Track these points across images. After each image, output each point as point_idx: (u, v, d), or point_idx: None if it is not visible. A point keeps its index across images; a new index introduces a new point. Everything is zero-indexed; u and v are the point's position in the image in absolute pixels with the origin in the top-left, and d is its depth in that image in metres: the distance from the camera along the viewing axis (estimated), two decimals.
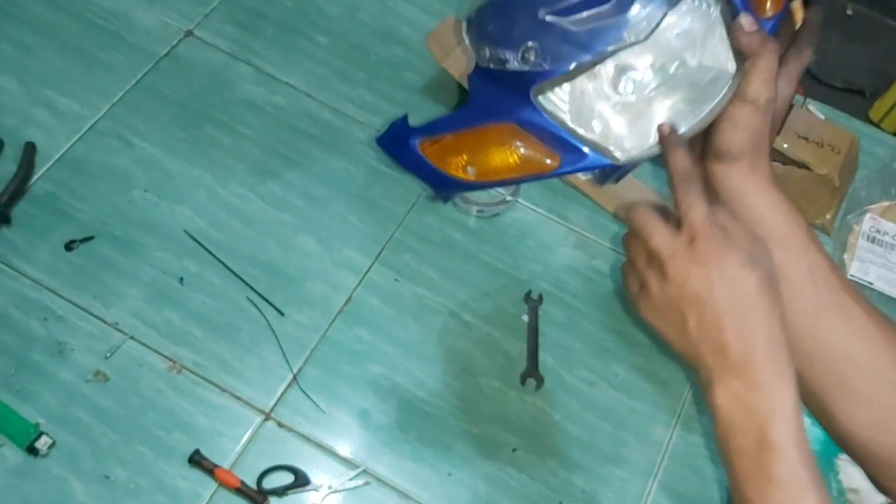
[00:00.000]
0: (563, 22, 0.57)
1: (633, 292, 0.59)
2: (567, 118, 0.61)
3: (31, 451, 0.85)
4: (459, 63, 1.08)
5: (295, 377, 0.93)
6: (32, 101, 1.08)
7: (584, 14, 0.57)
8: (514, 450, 0.92)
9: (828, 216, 1.11)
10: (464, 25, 0.63)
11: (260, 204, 1.04)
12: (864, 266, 1.08)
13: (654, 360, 1.00)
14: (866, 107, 1.55)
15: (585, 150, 0.59)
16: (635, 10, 0.56)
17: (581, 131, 0.60)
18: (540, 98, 0.60)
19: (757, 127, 0.58)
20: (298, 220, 1.04)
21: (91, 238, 0.99)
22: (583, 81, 0.61)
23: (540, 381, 0.96)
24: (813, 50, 0.62)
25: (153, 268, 0.98)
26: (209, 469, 0.86)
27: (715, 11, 0.59)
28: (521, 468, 0.91)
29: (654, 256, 0.55)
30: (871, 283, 1.07)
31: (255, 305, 0.97)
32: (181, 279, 0.98)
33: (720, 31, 0.59)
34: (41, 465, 0.85)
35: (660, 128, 0.59)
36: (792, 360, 0.53)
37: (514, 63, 0.59)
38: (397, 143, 0.63)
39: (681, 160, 0.56)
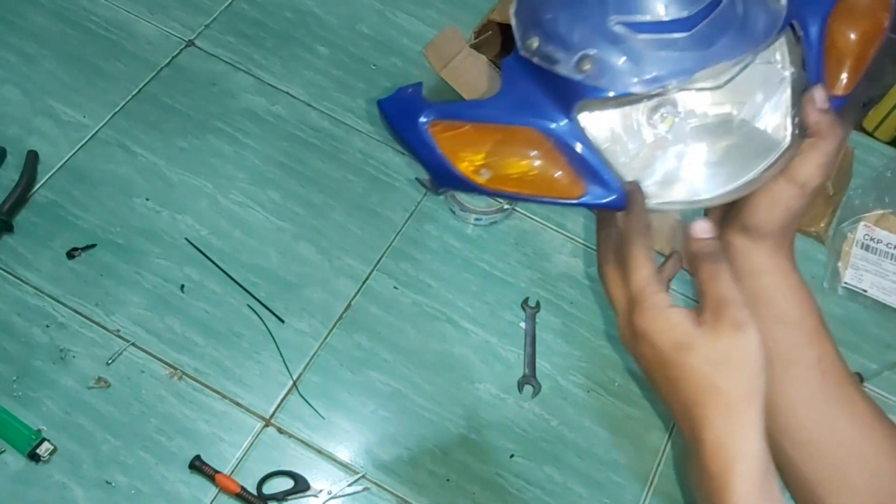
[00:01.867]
0: (635, 38, 0.48)
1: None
2: (606, 147, 0.53)
3: (33, 457, 0.86)
4: (458, 74, 1.09)
5: (295, 384, 0.94)
6: (35, 111, 1.09)
7: (660, 36, 0.48)
8: (511, 455, 0.93)
9: (822, 224, 1.12)
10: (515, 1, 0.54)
11: (260, 212, 1.05)
12: (858, 274, 1.09)
13: None
14: (860, 115, 1.56)
15: (616, 187, 0.52)
16: (718, 48, 0.48)
17: (618, 166, 0.52)
18: (583, 116, 0.52)
19: (797, 210, 0.53)
20: (298, 228, 1.05)
21: (93, 246, 0.99)
22: (632, 110, 0.53)
23: (537, 388, 0.97)
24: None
25: (154, 275, 0.99)
26: (210, 475, 0.87)
27: (787, 72, 0.52)
28: (518, 474, 0.92)
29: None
30: (865, 291, 1.08)
31: (256, 313, 0.98)
32: (182, 287, 0.98)
33: (785, 97, 0.52)
34: (43, 472, 0.86)
35: (629, 184, 0.52)
36: (754, 445, 0.48)
37: (565, 67, 0.50)
38: (403, 112, 0.54)
39: (631, 221, 0.52)
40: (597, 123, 0.53)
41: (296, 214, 1.06)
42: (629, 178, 0.52)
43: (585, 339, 1.02)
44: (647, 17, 0.49)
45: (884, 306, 1.08)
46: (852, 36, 0.53)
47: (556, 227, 1.09)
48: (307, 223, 1.05)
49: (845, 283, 1.08)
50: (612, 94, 0.49)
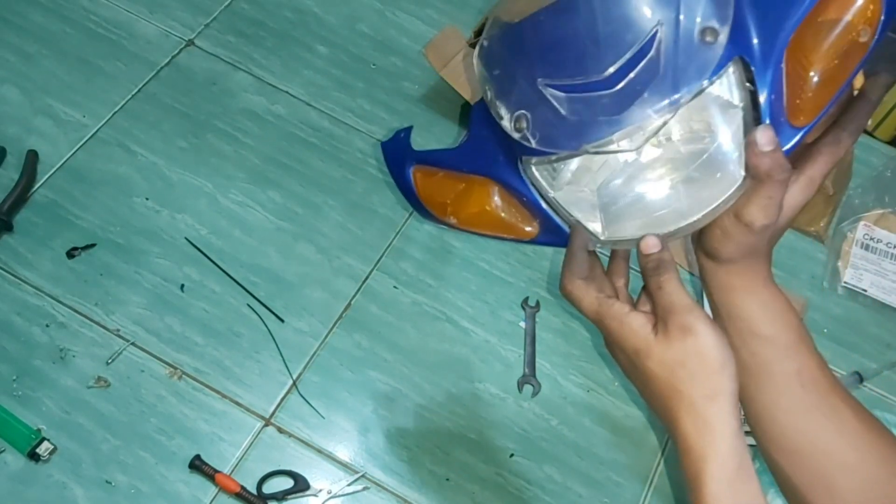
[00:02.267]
0: (558, 99, 0.50)
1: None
2: (550, 194, 0.55)
3: (33, 456, 0.86)
4: (457, 73, 1.09)
5: (295, 383, 0.94)
6: (34, 110, 1.09)
7: (585, 95, 0.49)
8: (511, 455, 0.93)
9: (822, 224, 1.12)
10: (479, 48, 0.56)
11: (260, 212, 1.05)
12: (858, 273, 1.09)
13: None
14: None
15: (565, 228, 0.56)
16: (635, 110, 0.48)
17: (563, 211, 0.55)
18: (528, 167, 0.55)
19: (749, 244, 0.53)
20: (298, 227, 1.05)
21: (93, 245, 0.99)
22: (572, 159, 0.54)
23: (537, 387, 0.97)
24: (853, 142, 0.53)
25: (154, 275, 0.99)
26: (210, 474, 0.87)
27: (738, 107, 0.50)
28: (518, 473, 0.92)
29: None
30: (865, 291, 1.08)
31: (256, 312, 0.98)
32: (182, 286, 0.98)
33: (737, 129, 0.50)
34: (42, 471, 0.86)
35: (572, 226, 0.55)
36: (725, 434, 0.49)
37: (506, 123, 0.53)
38: (396, 156, 0.61)
39: (571, 247, 0.56)
40: (545, 175, 0.55)
41: (295, 214, 1.06)
42: (592, 224, 0.55)
43: (585, 338, 1.02)
44: (570, 80, 0.50)
45: (883, 306, 1.08)
46: (819, 62, 0.50)
47: None
48: (307, 223, 1.05)
49: (845, 282, 1.08)
50: (540, 151, 0.52)
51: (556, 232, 0.56)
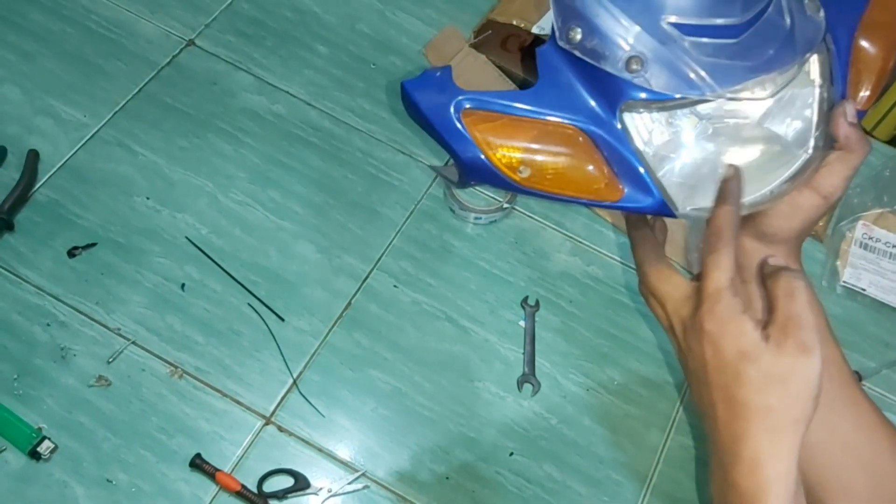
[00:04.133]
0: (684, 40, 0.47)
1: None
2: (650, 151, 0.50)
3: (34, 455, 0.86)
4: (457, 73, 1.08)
5: (295, 382, 0.94)
6: (35, 110, 1.09)
7: (709, 41, 0.47)
8: (511, 454, 0.93)
9: (821, 223, 1.13)
10: None
11: (261, 211, 1.05)
12: (857, 273, 1.09)
13: (650, 366, 1.01)
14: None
15: (655, 192, 0.50)
16: (765, 59, 0.47)
17: (659, 172, 0.51)
18: (627, 115, 0.49)
19: (815, 220, 0.54)
20: (298, 227, 1.05)
21: (93, 245, 1.00)
22: (678, 115, 0.51)
23: (537, 386, 0.97)
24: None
25: (155, 274, 0.99)
26: (210, 473, 0.87)
27: (816, 84, 0.51)
28: (518, 472, 0.92)
29: (671, 320, 0.53)
30: (864, 290, 1.08)
31: (256, 311, 0.98)
32: (183, 285, 0.99)
33: (811, 107, 0.51)
34: (43, 470, 0.86)
35: (728, 169, 0.50)
36: (791, 469, 0.48)
37: (612, 65, 0.48)
38: (432, 97, 0.50)
39: (727, 216, 0.50)
40: (636, 124, 0.50)
41: (296, 213, 1.06)
42: (676, 194, 0.51)
43: (585, 337, 1.02)
44: (696, 20, 0.47)
45: (882, 305, 1.08)
46: (874, 50, 0.52)
47: (555, 226, 1.10)
48: (307, 222, 1.05)
49: (844, 281, 1.09)
50: (662, 95, 0.47)
51: (645, 194, 0.50)
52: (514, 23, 1.11)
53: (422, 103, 0.51)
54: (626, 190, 0.50)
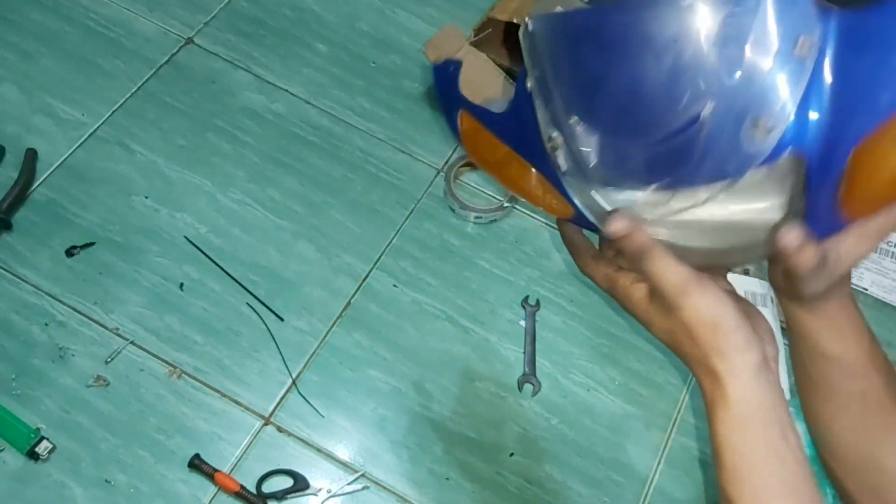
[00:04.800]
0: (588, 142, 0.48)
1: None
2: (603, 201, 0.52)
3: (32, 455, 0.85)
4: None
5: (294, 382, 0.94)
6: (34, 109, 1.09)
7: (614, 145, 0.47)
8: (511, 454, 0.93)
9: None
10: (526, 26, 0.51)
11: (260, 210, 1.05)
12: (859, 272, 1.09)
13: (651, 365, 1.00)
14: None
15: (588, 216, 0.52)
16: (663, 184, 0.47)
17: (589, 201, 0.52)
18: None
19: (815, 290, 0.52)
20: (298, 226, 1.04)
21: (92, 244, 0.99)
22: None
23: (537, 386, 0.97)
24: None
25: (153, 273, 0.98)
26: (209, 473, 0.87)
27: (778, 200, 0.47)
28: (518, 472, 0.92)
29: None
30: (866, 290, 1.08)
31: (255, 311, 0.98)
32: (181, 285, 0.98)
33: (777, 207, 0.47)
34: (42, 470, 0.86)
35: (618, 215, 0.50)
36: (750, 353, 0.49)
37: (541, 127, 0.50)
38: (446, 89, 0.56)
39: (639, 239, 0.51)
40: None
41: (295, 213, 1.05)
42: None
43: (585, 337, 1.01)
44: (604, 125, 0.47)
45: (884, 305, 1.08)
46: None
47: (555, 225, 1.09)
48: (306, 221, 1.05)
49: None
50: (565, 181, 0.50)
51: (582, 217, 0.53)
52: (515, 20, 1.11)
53: (440, 90, 0.57)
54: (574, 211, 0.52)
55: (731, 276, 0.58)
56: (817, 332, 0.56)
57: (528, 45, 0.51)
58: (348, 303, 1.00)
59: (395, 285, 1.02)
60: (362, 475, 0.90)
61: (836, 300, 0.54)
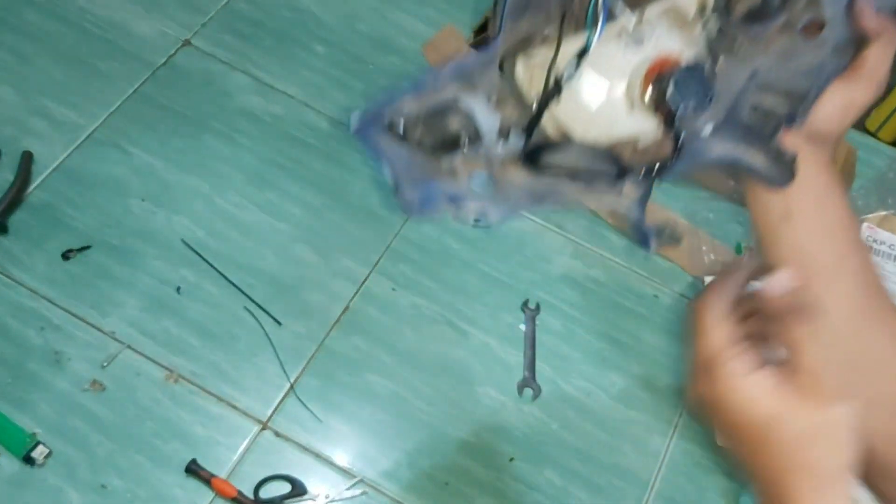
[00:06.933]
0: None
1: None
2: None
3: (28, 460, 0.85)
4: None
5: (292, 386, 0.93)
6: (30, 111, 1.08)
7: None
8: (511, 459, 0.92)
9: None
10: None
11: (257, 213, 1.04)
12: None
13: (652, 370, 1.00)
14: (863, 116, 1.55)
15: None
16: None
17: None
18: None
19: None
20: (296, 229, 1.04)
21: (88, 247, 0.99)
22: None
23: (537, 391, 0.96)
24: None
25: (150, 277, 0.98)
26: (206, 478, 0.86)
27: None
28: (518, 477, 0.91)
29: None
30: None
31: (253, 315, 0.97)
32: (178, 288, 0.98)
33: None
34: (37, 475, 0.85)
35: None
36: None
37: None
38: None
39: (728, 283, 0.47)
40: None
41: (293, 215, 1.05)
42: None
43: (586, 341, 1.01)
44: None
45: None
46: None
47: (556, 229, 1.09)
48: (305, 224, 1.04)
49: None
50: None
51: None
52: None
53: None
54: None
55: None
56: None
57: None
58: (347, 306, 0.99)
59: (393, 289, 1.01)
60: (360, 480, 0.89)
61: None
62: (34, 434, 0.86)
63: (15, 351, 0.91)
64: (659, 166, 0.49)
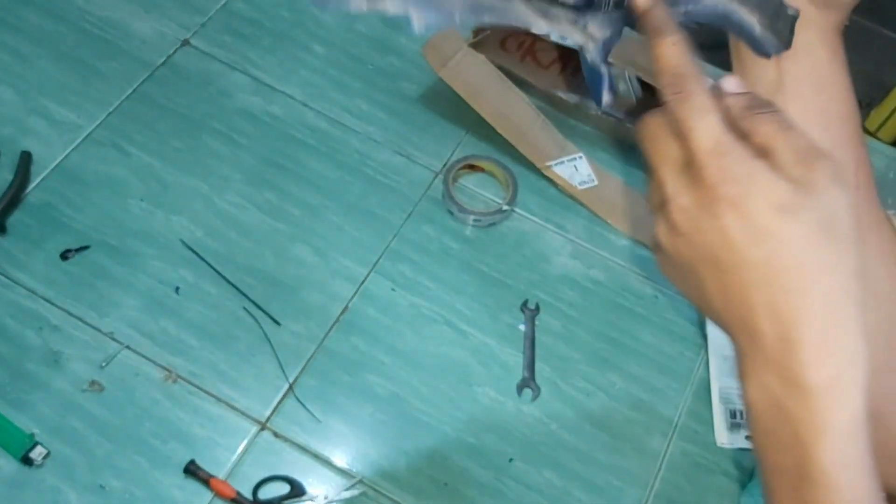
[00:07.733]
0: None
1: (652, 235, 0.44)
2: None
3: (26, 461, 0.85)
4: (456, 73, 1.08)
5: (291, 387, 0.93)
6: (28, 111, 1.08)
7: None
8: (510, 460, 0.92)
9: None
10: None
11: (256, 213, 1.04)
12: None
13: (652, 370, 1.00)
14: (862, 116, 1.55)
15: None
16: None
17: None
18: None
19: None
20: (295, 229, 1.04)
21: (87, 247, 0.98)
22: None
23: (537, 391, 0.96)
24: None
25: (149, 277, 0.98)
26: (204, 479, 0.86)
27: None
28: (517, 478, 0.91)
29: (663, 195, 0.40)
30: None
31: (252, 315, 0.97)
32: (177, 289, 0.97)
33: None
34: (36, 476, 0.85)
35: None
36: (866, 344, 0.37)
37: None
38: None
39: (673, 47, 0.40)
40: None
41: (292, 215, 1.04)
42: None
43: (586, 341, 1.01)
44: None
45: None
46: None
47: (556, 229, 1.08)
48: (303, 224, 1.04)
49: None
50: None
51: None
52: None
53: None
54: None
55: None
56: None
57: None
58: (346, 307, 0.99)
59: (392, 289, 1.01)
60: (360, 481, 0.89)
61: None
62: (32, 434, 0.86)
63: (13, 351, 0.91)
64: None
